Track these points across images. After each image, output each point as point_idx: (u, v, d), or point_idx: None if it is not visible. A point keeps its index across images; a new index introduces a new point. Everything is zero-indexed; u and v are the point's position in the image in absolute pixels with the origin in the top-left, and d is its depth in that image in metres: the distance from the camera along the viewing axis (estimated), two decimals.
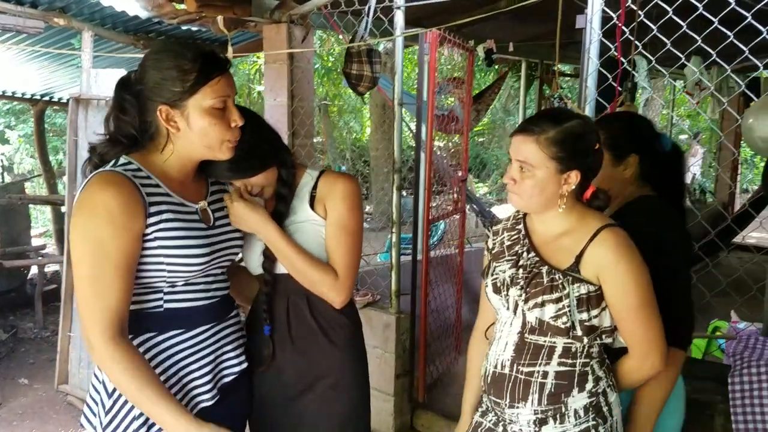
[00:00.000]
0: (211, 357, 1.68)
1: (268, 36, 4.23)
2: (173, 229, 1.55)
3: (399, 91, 3.51)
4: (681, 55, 2.47)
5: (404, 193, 5.37)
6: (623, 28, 2.62)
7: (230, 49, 4.15)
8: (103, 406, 1.57)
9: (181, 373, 1.61)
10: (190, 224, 1.61)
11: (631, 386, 1.71)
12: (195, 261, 1.59)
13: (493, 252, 1.78)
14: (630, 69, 2.75)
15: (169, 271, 1.56)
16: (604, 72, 2.78)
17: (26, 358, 5.66)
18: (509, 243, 1.75)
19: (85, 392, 1.67)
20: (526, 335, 1.65)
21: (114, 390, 1.55)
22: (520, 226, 1.76)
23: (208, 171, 1.70)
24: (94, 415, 1.60)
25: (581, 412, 1.62)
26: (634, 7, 2.57)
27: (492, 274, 1.75)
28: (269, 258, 1.81)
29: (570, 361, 1.62)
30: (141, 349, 1.54)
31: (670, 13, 2.39)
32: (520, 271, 1.67)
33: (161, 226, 1.53)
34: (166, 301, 1.59)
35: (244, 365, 1.78)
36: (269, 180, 1.79)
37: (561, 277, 1.60)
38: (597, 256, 1.58)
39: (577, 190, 1.64)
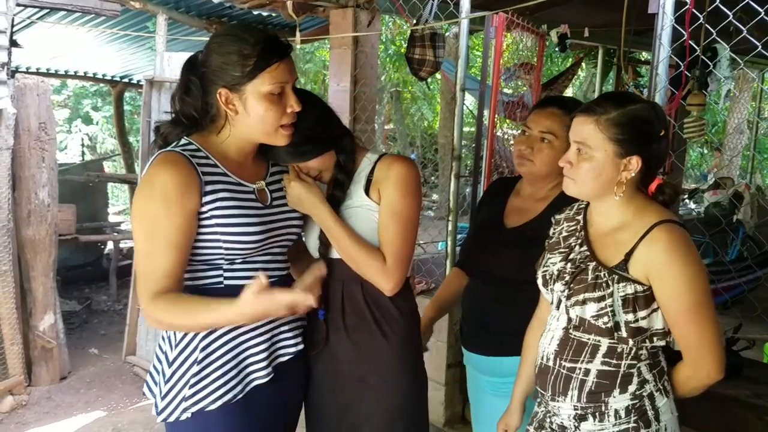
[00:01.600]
0: (268, 335, 1.69)
1: (334, 21, 4.23)
2: (229, 207, 1.58)
3: (462, 76, 3.44)
4: (758, 44, 2.32)
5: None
6: (696, 12, 2.47)
7: (298, 34, 4.18)
8: (164, 375, 1.62)
9: (238, 349, 1.63)
10: (246, 203, 1.63)
11: (688, 395, 1.62)
12: (250, 239, 1.61)
13: (550, 242, 1.73)
14: (703, 57, 2.59)
15: (226, 249, 1.59)
16: (676, 59, 2.65)
17: (98, 329, 5.91)
18: (566, 234, 1.69)
19: (150, 364, 1.73)
20: (571, 331, 1.60)
21: (174, 359, 1.60)
22: (580, 217, 1.68)
23: (268, 154, 1.72)
24: (155, 384, 1.66)
25: (622, 413, 1.55)
26: None
27: (543, 266, 1.70)
28: (324, 242, 1.79)
29: (614, 361, 1.54)
30: None
31: None
32: (569, 265, 1.61)
33: (217, 204, 1.56)
34: (225, 278, 1.62)
35: (300, 347, 1.78)
36: (327, 164, 1.77)
37: (606, 275, 1.52)
38: (647, 255, 1.48)
39: (640, 181, 1.55)
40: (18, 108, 4.25)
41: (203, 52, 1.61)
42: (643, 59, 7.04)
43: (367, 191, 1.77)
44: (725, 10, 2.34)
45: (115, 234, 7.53)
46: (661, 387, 1.58)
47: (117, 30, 5.41)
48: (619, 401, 1.55)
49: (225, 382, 1.60)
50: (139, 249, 1.54)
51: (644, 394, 1.55)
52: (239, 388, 1.63)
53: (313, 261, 1.88)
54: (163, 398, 1.61)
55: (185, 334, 1.60)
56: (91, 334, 5.76)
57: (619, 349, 1.54)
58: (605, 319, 1.50)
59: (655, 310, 1.50)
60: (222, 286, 1.62)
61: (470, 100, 7.31)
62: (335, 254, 1.80)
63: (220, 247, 1.58)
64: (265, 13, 5.09)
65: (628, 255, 1.50)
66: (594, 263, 1.55)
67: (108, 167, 12.40)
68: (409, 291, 1.88)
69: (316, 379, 1.86)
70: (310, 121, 1.67)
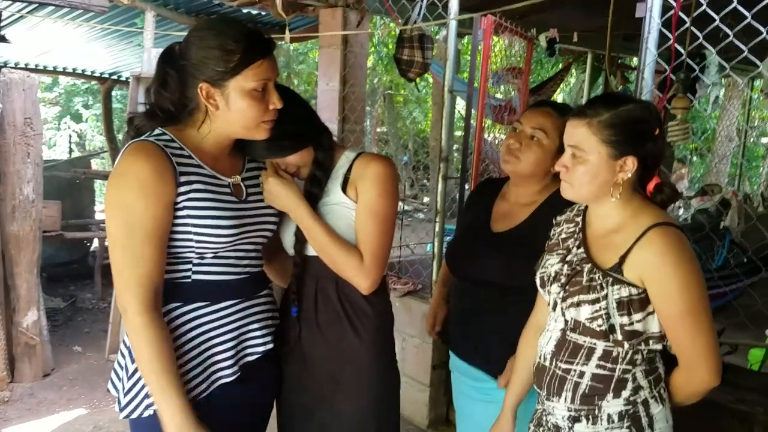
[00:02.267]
0: (235, 333, 1.67)
1: (323, 20, 4.23)
2: (202, 199, 1.56)
3: (450, 78, 3.45)
4: (744, 48, 2.33)
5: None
6: (683, 16, 2.47)
7: (288, 32, 4.17)
8: (127, 371, 1.58)
9: (203, 346, 1.61)
10: (221, 197, 1.61)
11: (685, 401, 1.60)
12: (223, 233, 1.58)
13: (549, 243, 1.72)
14: (689, 61, 2.60)
15: (198, 242, 1.56)
16: (663, 63, 2.65)
17: (82, 327, 5.86)
18: (565, 236, 1.68)
19: None
20: (568, 333, 1.59)
21: None
22: (579, 219, 1.68)
23: (245, 149, 1.70)
24: (119, 379, 1.62)
25: (615, 418, 1.54)
26: None
27: (542, 267, 1.69)
28: (300, 239, 1.79)
29: (609, 365, 1.53)
30: (166, 318, 1.55)
31: (735, 2, 2.25)
32: (565, 267, 1.60)
33: (191, 195, 1.54)
34: (194, 273, 1.59)
35: (269, 345, 1.76)
36: (305, 160, 1.76)
37: (600, 277, 1.51)
38: (641, 258, 1.47)
39: (638, 181, 1.55)
40: (3, 103, 4.22)
41: (182, 44, 1.58)
42: (632, 65, 7.07)
43: (344, 189, 1.77)
44: (713, 14, 2.35)
45: (101, 231, 7.47)
46: (657, 394, 1.56)
47: (105, 26, 5.37)
48: (612, 406, 1.54)
49: (189, 379, 1.57)
50: (116, 243, 1.49)
51: (638, 400, 1.54)
52: (203, 386, 1.60)
53: (288, 259, 1.88)
54: (125, 394, 1.57)
55: None
56: (75, 331, 5.71)
57: (614, 353, 1.53)
58: (599, 321, 1.49)
59: (650, 314, 1.49)
60: (190, 280, 1.59)
61: (462, 104, 7.32)
62: (311, 251, 1.80)
63: (191, 240, 1.55)
64: (254, 12, 5.08)
65: (623, 257, 1.49)
66: (589, 265, 1.55)
67: (96, 164, 12.32)
68: (383, 290, 1.87)
69: (287, 377, 1.86)
70: (289, 117, 1.66)
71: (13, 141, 4.33)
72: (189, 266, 1.59)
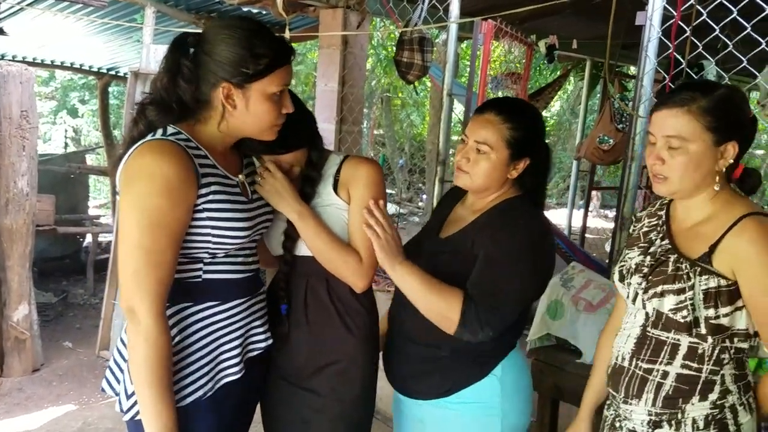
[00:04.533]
0: (242, 330, 1.67)
1: (324, 20, 4.22)
2: (221, 201, 1.55)
3: (449, 81, 3.45)
4: (743, 59, 2.34)
5: None
6: (683, 25, 2.48)
7: (288, 32, 4.17)
8: (129, 373, 1.54)
9: (213, 345, 1.60)
10: (235, 197, 1.60)
11: None
12: (239, 234, 1.59)
13: (629, 239, 1.68)
14: (688, 70, 2.61)
15: (215, 243, 1.55)
16: (662, 72, 2.66)
17: (73, 322, 5.83)
18: (647, 229, 1.62)
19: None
20: (649, 328, 1.52)
21: None
22: (662, 212, 1.61)
23: (242, 144, 1.70)
24: (118, 381, 1.59)
25: (701, 423, 1.46)
26: (699, 7, 2.45)
27: (621, 261, 1.63)
28: (290, 237, 1.80)
29: (695, 365, 1.46)
30: (176, 319, 1.54)
31: (735, 13, 2.26)
32: (648, 258, 1.54)
33: (210, 197, 1.53)
34: (205, 272, 1.58)
35: (270, 341, 1.77)
36: (299, 160, 1.78)
37: (688, 266, 1.44)
38: (733, 247, 1.39)
39: (727, 169, 1.48)
40: (0, 95, 4.19)
41: (202, 37, 1.54)
42: (630, 74, 7.09)
43: (335, 190, 1.79)
44: (712, 24, 2.36)
45: (95, 227, 7.44)
46: (746, 402, 1.47)
47: (104, 21, 5.36)
48: (697, 409, 1.46)
49: (197, 378, 1.56)
50: (137, 244, 1.42)
51: (726, 405, 1.46)
52: (210, 384, 1.59)
53: (270, 256, 1.90)
54: (129, 396, 1.54)
55: None
56: (66, 327, 5.68)
57: (700, 350, 1.46)
58: (684, 312, 1.43)
59: (739, 309, 1.42)
60: (200, 280, 1.58)
61: (460, 109, 7.33)
62: (302, 251, 1.80)
63: (209, 242, 1.54)
64: (254, 10, 5.06)
65: (713, 247, 1.42)
66: (675, 255, 1.48)
67: (91, 160, 12.29)
68: (371, 288, 1.89)
69: (272, 373, 1.87)
70: (291, 116, 1.67)
71: (9, 134, 4.30)
72: (200, 266, 1.58)
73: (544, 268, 1.78)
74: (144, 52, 4.80)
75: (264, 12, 5.01)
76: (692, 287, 1.42)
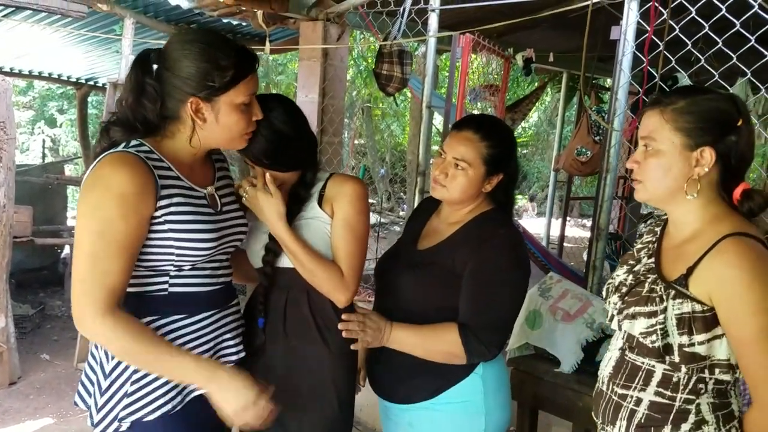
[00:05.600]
0: (211, 344, 1.67)
1: (304, 33, 4.25)
2: (183, 213, 1.54)
3: (428, 93, 3.49)
4: (715, 72, 2.40)
5: None
6: (656, 40, 2.54)
7: (268, 44, 4.19)
8: (99, 386, 1.56)
9: None
10: (199, 209, 1.60)
11: None
12: (204, 245, 1.58)
13: (624, 255, 1.61)
14: (662, 83, 2.67)
15: (178, 255, 1.55)
16: (636, 85, 2.72)
17: (51, 334, 5.77)
18: (640, 246, 1.55)
19: None
20: (626, 352, 1.45)
21: (112, 370, 1.54)
22: (659, 229, 1.53)
23: (242, 151, 1.71)
24: (90, 395, 1.59)
25: None
26: (671, 22, 2.51)
27: (609, 279, 1.57)
28: (271, 251, 1.82)
29: (669, 393, 1.38)
30: None
31: (706, 28, 2.32)
32: (630, 277, 1.48)
33: (172, 209, 1.52)
34: (171, 285, 1.58)
35: (242, 354, 1.76)
36: (292, 177, 1.82)
37: (662, 289, 1.36)
38: (710, 270, 1.29)
39: (721, 184, 1.37)
40: None
41: (163, 53, 1.54)
42: (607, 86, 7.20)
43: (319, 205, 1.82)
44: (685, 39, 2.42)
45: (73, 238, 7.36)
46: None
47: (83, 32, 5.34)
48: None
49: (165, 392, 1.56)
50: (84, 251, 1.44)
51: None
52: (179, 398, 1.59)
53: (250, 268, 1.91)
54: (99, 410, 1.54)
55: None
56: (44, 339, 5.62)
57: (674, 379, 1.38)
58: (653, 337, 1.35)
59: (718, 337, 1.31)
60: (167, 293, 1.58)
61: (439, 119, 7.38)
62: (284, 263, 1.82)
63: (172, 254, 1.54)
64: (234, 22, 5.08)
65: (691, 269, 1.32)
66: (654, 276, 1.40)
67: (69, 170, 12.16)
68: (352, 304, 1.90)
69: None
70: (297, 133, 1.73)
71: None
72: (166, 278, 1.57)
73: (528, 272, 1.84)
74: (123, 63, 4.80)
75: (244, 24, 5.03)
76: (664, 311, 1.34)
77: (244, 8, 4.11)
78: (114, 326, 1.43)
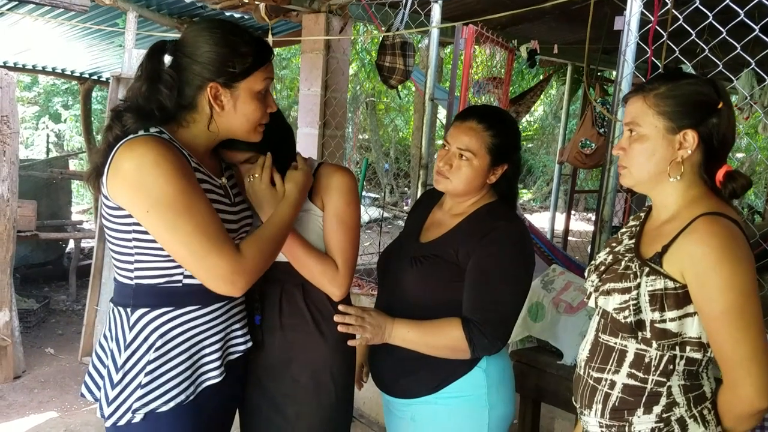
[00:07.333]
0: (222, 334, 1.66)
1: (306, 25, 4.24)
2: (211, 201, 1.53)
3: (431, 86, 3.47)
4: (718, 62, 2.37)
5: None
6: (660, 30, 2.52)
7: (270, 37, 4.18)
8: (111, 379, 1.54)
9: (194, 349, 1.59)
10: (221, 198, 1.60)
11: (736, 428, 1.40)
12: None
13: (608, 239, 1.66)
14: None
15: None
16: (640, 76, 2.70)
17: (56, 329, 5.79)
18: (624, 230, 1.59)
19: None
20: (600, 333, 1.49)
21: (125, 362, 1.53)
22: (644, 214, 1.57)
23: (254, 143, 1.68)
24: (98, 388, 1.58)
25: None
26: (675, 12, 2.48)
27: (591, 261, 1.61)
28: None
29: (641, 375, 1.41)
30: (157, 323, 1.53)
31: (710, 17, 2.30)
32: (610, 256, 1.51)
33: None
34: (185, 276, 1.56)
35: (249, 344, 1.76)
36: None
37: (637, 266, 1.39)
38: (683, 248, 1.32)
39: (703, 166, 1.39)
40: None
41: (181, 41, 1.53)
42: (611, 78, 7.16)
43: (310, 197, 1.81)
44: (689, 29, 2.39)
45: (77, 233, 7.38)
46: (697, 414, 1.40)
47: (86, 25, 5.34)
48: (643, 422, 1.41)
49: (179, 383, 1.55)
50: (179, 224, 1.41)
51: (672, 418, 1.39)
52: (192, 388, 1.58)
53: None
54: (111, 402, 1.53)
55: (138, 333, 1.52)
56: (48, 333, 5.63)
57: (646, 359, 1.41)
58: (626, 313, 1.38)
59: (690, 315, 1.35)
60: (180, 285, 1.56)
61: (443, 113, 7.36)
62: (278, 257, 1.79)
63: None
64: (237, 15, 5.07)
65: (666, 247, 1.36)
66: (631, 255, 1.44)
67: (74, 165, 12.19)
68: (348, 295, 1.90)
69: (249, 378, 1.86)
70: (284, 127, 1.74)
71: None
72: (181, 270, 1.54)
73: (532, 263, 1.83)
74: (126, 57, 4.80)
75: (247, 17, 5.02)
76: (638, 287, 1.37)
77: (246, 1, 4.11)
78: (251, 255, 1.53)
